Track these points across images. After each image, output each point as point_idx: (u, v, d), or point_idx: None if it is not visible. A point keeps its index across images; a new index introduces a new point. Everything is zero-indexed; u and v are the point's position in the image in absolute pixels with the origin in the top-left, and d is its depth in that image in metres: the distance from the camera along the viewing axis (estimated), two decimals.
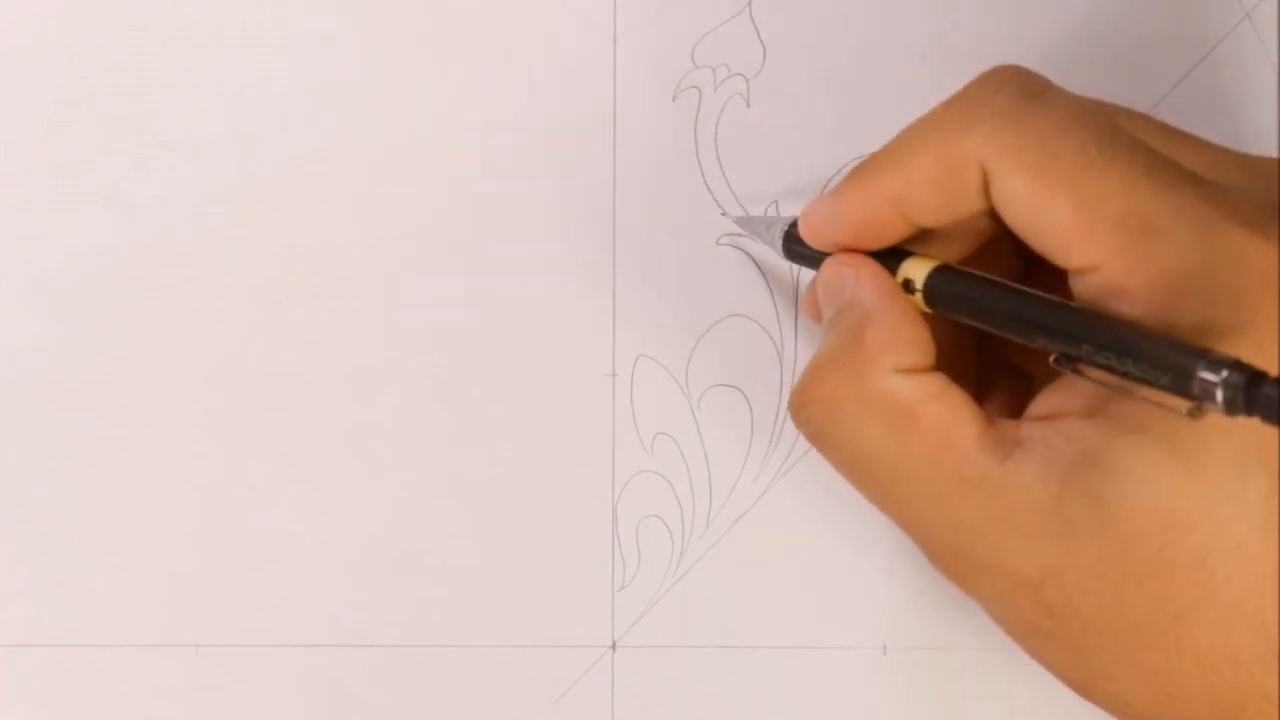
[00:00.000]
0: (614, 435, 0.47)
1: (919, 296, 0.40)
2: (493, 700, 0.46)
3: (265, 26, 0.47)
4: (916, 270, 0.40)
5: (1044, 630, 0.38)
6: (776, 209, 0.47)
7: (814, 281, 0.43)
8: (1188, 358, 0.34)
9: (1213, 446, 0.36)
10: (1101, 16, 0.48)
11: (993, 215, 0.39)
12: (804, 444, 0.46)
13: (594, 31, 0.48)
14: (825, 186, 0.47)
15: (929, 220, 0.40)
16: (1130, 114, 0.40)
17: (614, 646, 0.47)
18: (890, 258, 0.41)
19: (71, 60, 0.47)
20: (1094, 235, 0.37)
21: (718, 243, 0.47)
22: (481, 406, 0.47)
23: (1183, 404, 0.34)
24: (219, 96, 0.47)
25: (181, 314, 0.47)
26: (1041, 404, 0.39)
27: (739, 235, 0.47)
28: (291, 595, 0.46)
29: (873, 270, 0.41)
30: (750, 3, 0.48)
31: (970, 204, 0.39)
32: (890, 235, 0.41)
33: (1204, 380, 0.33)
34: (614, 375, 0.47)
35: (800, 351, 0.47)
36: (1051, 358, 0.37)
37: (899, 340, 0.40)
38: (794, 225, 0.44)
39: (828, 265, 0.42)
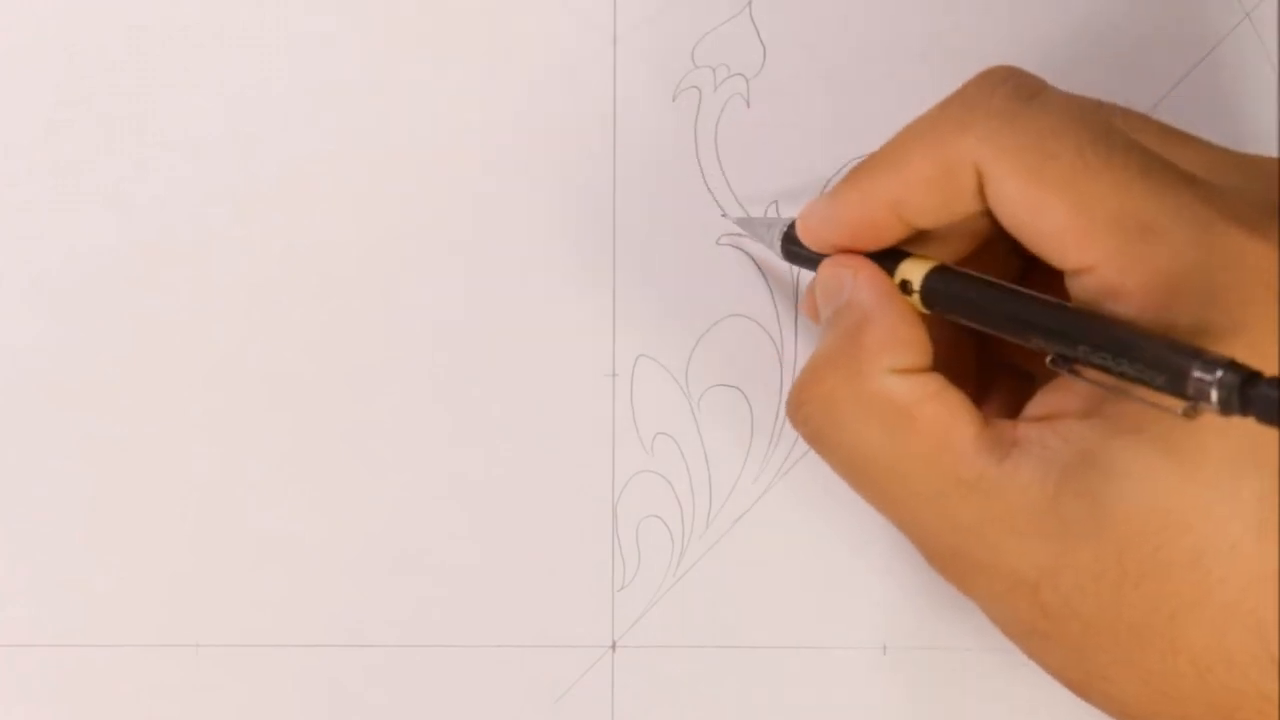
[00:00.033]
0: (614, 435, 0.47)
1: (916, 297, 0.40)
2: (493, 700, 0.47)
3: (265, 26, 0.47)
4: (914, 271, 0.40)
5: (1041, 631, 0.38)
6: (776, 209, 0.47)
7: (813, 282, 0.43)
8: (1183, 358, 0.34)
9: (1208, 447, 0.35)
10: (1101, 16, 0.48)
11: (990, 216, 0.39)
12: (804, 444, 0.46)
13: (594, 31, 0.48)
14: (825, 187, 0.47)
15: (926, 221, 0.40)
16: (1127, 113, 0.40)
17: (614, 646, 0.47)
18: (888, 259, 0.41)
19: (71, 60, 0.47)
20: (1090, 236, 0.37)
21: (718, 243, 0.47)
22: (481, 406, 0.47)
23: (1178, 404, 0.34)
24: (219, 96, 0.47)
25: (181, 314, 0.47)
26: (1039, 404, 0.39)
27: (739, 235, 0.47)
28: (291, 595, 0.46)
29: (870, 271, 0.41)
30: (750, 3, 0.48)
31: (966, 205, 0.39)
32: (887, 236, 0.41)
33: (1199, 380, 0.33)
34: (614, 375, 0.47)
35: (800, 352, 0.47)
36: (1048, 358, 0.37)
37: (896, 341, 0.40)
38: (792, 227, 0.44)
39: (825, 266, 0.42)
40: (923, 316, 0.40)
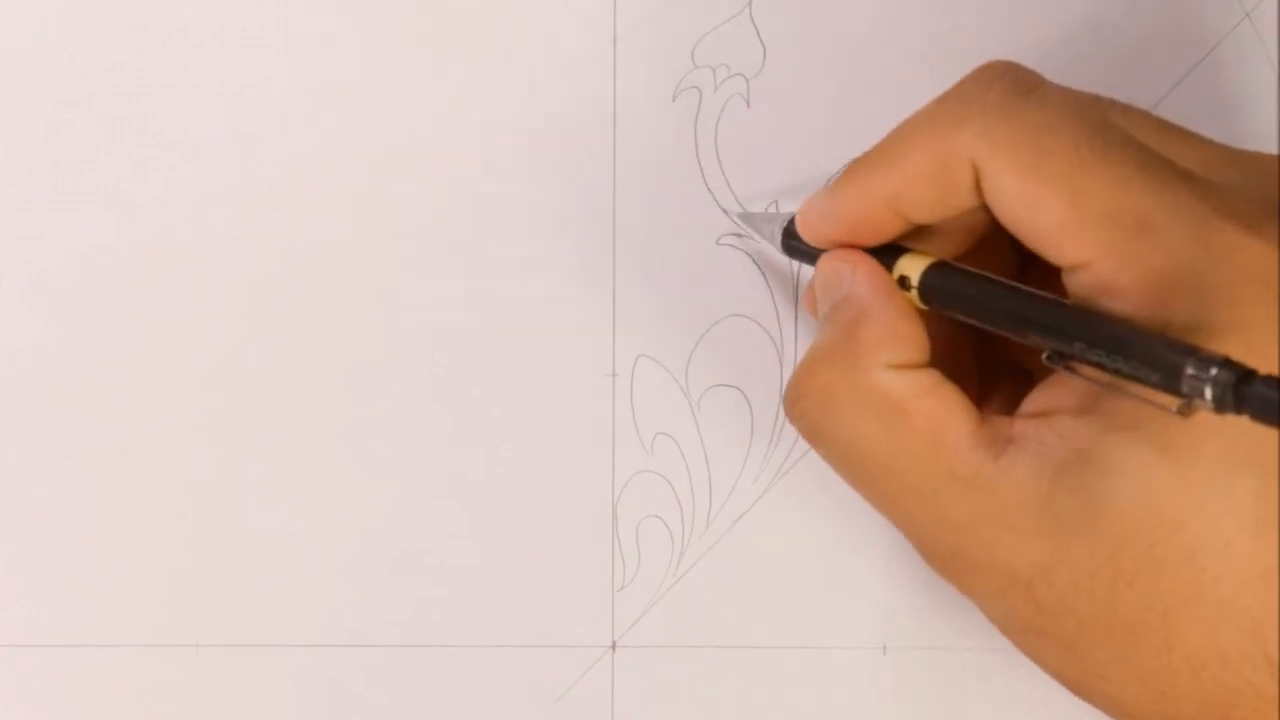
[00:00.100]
0: (614, 435, 0.47)
1: (914, 293, 0.40)
2: (493, 700, 0.46)
3: (265, 26, 0.47)
4: (912, 266, 0.40)
5: (1036, 628, 0.38)
6: (776, 208, 0.47)
7: (814, 277, 0.43)
8: (1177, 355, 0.34)
9: (1202, 444, 0.35)
10: (1101, 16, 0.48)
11: (987, 211, 0.39)
12: (804, 444, 0.46)
13: (594, 31, 0.48)
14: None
15: (923, 217, 0.40)
16: (1126, 109, 0.40)
17: (614, 646, 0.47)
18: (886, 254, 0.41)
19: (71, 60, 0.47)
20: (1085, 232, 0.37)
21: (718, 243, 0.47)
22: (481, 406, 0.47)
23: (1173, 402, 0.34)
24: (219, 96, 0.47)
25: (181, 314, 0.47)
26: (1035, 401, 0.39)
27: (739, 235, 0.47)
28: (291, 595, 0.47)
29: (868, 266, 0.41)
30: (750, 3, 0.48)
31: (963, 200, 0.39)
32: (885, 232, 0.41)
33: (1193, 378, 0.33)
34: (614, 375, 0.47)
35: (800, 352, 0.47)
36: (1044, 354, 0.37)
37: (893, 336, 0.39)
38: (793, 222, 0.44)
39: (824, 261, 0.42)
40: (921, 312, 0.40)
